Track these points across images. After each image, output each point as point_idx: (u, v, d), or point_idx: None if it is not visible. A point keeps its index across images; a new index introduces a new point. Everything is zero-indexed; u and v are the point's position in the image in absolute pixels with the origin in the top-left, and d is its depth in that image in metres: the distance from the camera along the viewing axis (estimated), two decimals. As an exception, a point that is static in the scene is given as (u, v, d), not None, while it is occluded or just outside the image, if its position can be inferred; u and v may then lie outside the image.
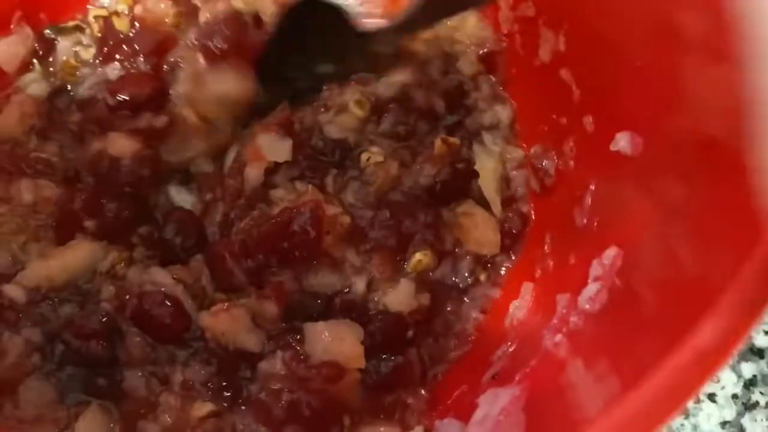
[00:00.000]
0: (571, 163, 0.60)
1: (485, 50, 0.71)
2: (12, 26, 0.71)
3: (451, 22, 0.71)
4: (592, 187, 0.56)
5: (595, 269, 0.47)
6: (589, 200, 0.55)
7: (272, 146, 0.62)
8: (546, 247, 0.60)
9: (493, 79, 0.70)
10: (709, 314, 0.29)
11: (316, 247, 0.58)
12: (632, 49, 0.51)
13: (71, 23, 0.73)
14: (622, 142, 0.51)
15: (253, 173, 0.62)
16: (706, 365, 0.28)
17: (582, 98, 0.59)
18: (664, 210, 0.44)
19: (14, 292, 0.57)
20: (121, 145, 0.62)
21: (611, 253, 0.47)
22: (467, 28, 0.72)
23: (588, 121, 0.58)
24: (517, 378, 0.47)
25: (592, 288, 0.46)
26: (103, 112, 0.65)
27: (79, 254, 0.59)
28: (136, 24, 0.70)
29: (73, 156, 0.65)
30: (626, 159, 0.51)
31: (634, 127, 0.51)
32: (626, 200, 0.50)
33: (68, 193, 0.62)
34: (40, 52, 0.71)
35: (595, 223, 0.53)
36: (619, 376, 0.37)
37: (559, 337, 0.47)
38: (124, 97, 0.63)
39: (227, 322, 0.55)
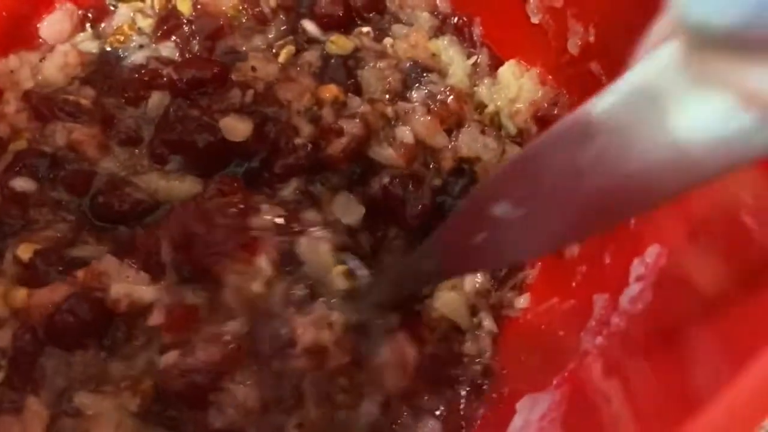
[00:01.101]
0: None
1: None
2: (57, 4, 0.71)
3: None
4: (628, 183, 0.53)
5: (637, 268, 0.45)
6: (625, 197, 0.53)
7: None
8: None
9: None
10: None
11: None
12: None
13: (133, -7, 0.73)
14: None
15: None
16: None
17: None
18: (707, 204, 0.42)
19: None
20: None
21: (654, 250, 0.44)
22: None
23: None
24: (555, 382, 0.45)
25: (634, 287, 0.44)
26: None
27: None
28: (198, 7, 0.70)
29: (113, 103, 0.66)
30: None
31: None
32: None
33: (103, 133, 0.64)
34: (90, 16, 0.73)
35: (633, 221, 0.50)
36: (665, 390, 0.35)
37: (598, 339, 0.45)
38: (188, 76, 0.64)
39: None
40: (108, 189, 0.61)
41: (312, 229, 0.59)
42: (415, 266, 0.53)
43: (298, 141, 0.61)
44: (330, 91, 0.62)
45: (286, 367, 0.52)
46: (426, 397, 0.57)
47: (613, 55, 0.57)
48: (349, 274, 0.57)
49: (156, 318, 0.53)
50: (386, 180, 0.61)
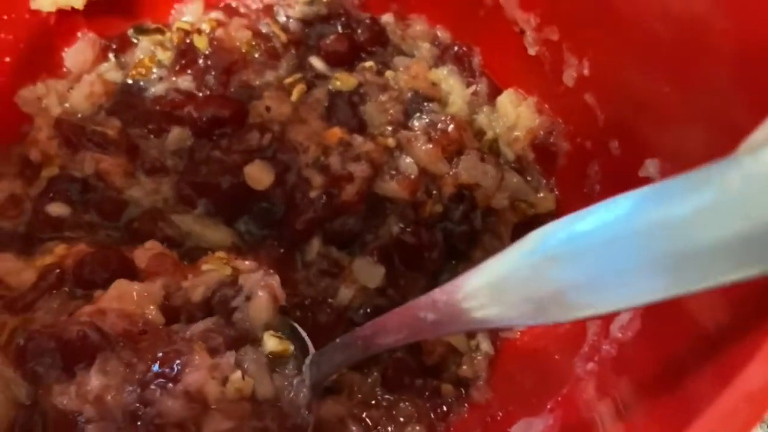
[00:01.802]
0: (597, 186, 0.60)
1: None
2: (79, 35, 0.75)
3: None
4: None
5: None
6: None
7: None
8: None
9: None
10: (758, 354, 0.29)
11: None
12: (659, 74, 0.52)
13: (153, 25, 0.77)
14: (651, 168, 0.52)
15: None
16: (756, 406, 0.28)
17: (607, 123, 0.60)
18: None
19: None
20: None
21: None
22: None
23: (614, 145, 0.58)
24: (549, 406, 0.47)
25: (624, 316, 0.46)
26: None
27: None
28: (214, 43, 0.74)
29: (138, 133, 0.70)
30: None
31: (662, 154, 0.51)
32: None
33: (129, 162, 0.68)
34: (114, 46, 0.77)
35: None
36: (658, 410, 0.37)
37: (590, 365, 0.47)
38: (208, 115, 0.68)
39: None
40: (144, 219, 0.66)
41: None
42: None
43: (313, 194, 0.65)
44: (335, 135, 0.66)
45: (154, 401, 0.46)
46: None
47: (606, 89, 0.60)
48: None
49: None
50: (397, 229, 0.65)
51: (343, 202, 0.67)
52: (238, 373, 0.48)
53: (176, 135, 0.70)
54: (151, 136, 0.70)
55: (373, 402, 0.63)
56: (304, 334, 0.56)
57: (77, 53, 0.74)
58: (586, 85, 0.62)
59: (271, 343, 0.53)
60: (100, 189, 0.67)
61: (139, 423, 0.45)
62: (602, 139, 0.60)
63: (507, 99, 0.71)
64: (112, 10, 0.75)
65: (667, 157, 0.51)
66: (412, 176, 0.69)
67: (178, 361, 0.46)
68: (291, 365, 0.53)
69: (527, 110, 0.69)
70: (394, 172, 0.68)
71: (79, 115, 0.71)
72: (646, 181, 0.51)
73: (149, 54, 0.75)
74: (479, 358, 0.64)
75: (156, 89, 0.73)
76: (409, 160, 0.68)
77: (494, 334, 0.65)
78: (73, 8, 0.70)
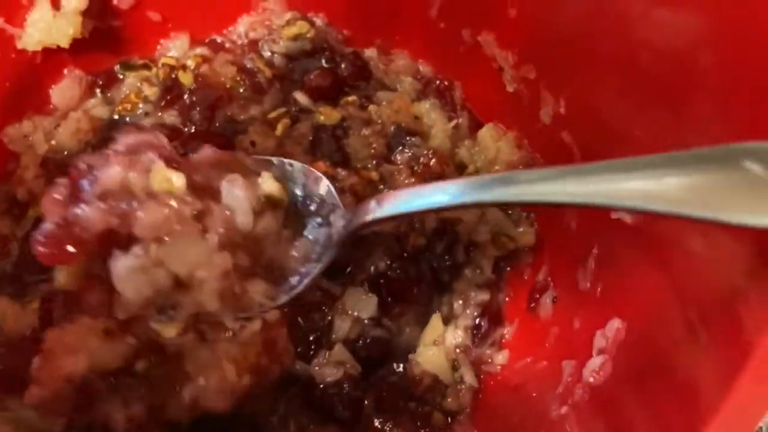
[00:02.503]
0: (573, 224, 0.61)
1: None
2: (65, 72, 0.75)
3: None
4: (595, 251, 0.57)
5: (599, 340, 0.49)
6: (592, 264, 0.57)
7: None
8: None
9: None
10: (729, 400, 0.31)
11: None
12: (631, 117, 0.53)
13: (140, 61, 0.78)
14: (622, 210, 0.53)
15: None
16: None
17: (583, 160, 0.61)
18: (669, 286, 0.45)
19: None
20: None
21: (615, 324, 0.48)
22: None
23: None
24: (524, 449, 0.49)
25: (596, 361, 0.47)
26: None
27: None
28: (199, 78, 0.75)
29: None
30: (628, 227, 0.52)
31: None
32: (629, 270, 0.51)
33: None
34: (100, 82, 0.77)
35: (599, 289, 0.54)
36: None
37: (564, 408, 0.48)
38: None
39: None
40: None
41: None
42: None
43: None
44: (319, 168, 0.67)
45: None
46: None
47: (582, 128, 0.62)
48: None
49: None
50: (384, 265, 0.66)
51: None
52: (160, 164, 0.48)
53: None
54: (137, 173, 0.71)
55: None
56: (332, 188, 0.58)
57: (64, 90, 0.74)
58: (562, 123, 0.63)
59: (269, 185, 0.55)
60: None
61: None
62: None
63: (487, 133, 0.72)
64: (98, 46, 0.75)
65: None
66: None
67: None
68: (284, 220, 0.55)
69: (507, 145, 0.70)
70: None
71: (66, 153, 0.72)
72: (618, 224, 0.52)
73: (135, 90, 0.76)
74: (464, 390, 0.65)
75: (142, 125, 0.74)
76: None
77: (477, 367, 0.66)
78: (59, 46, 0.71)
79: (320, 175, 0.59)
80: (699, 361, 0.39)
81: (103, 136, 0.73)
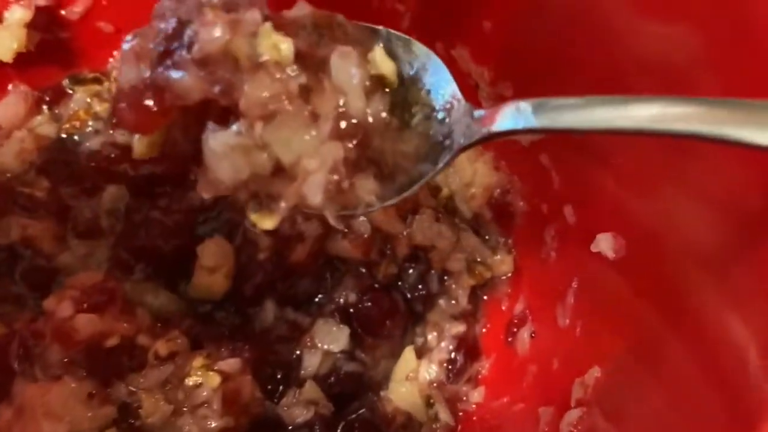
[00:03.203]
0: (553, 254, 0.57)
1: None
2: (9, 88, 0.70)
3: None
4: (575, 285, 0.53)
5: (578, 390, 0.45)
6: (571, 299, 0.53)
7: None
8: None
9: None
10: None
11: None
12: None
13: (90, 75, 0.73)
14: (603, 243, 0.49)
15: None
16: None
17: (561, 185, 0.57)
18: (651, 335, 0.42)
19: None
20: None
21: (594, 373, 0.44)
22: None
23: (569, 211, 0.56)
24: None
25: (574, 413, 0.44)
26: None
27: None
28: None
29: (70, 193, 0.66)
30: (609, 262, 0.48)
31: (616, 229, 0.49)
32: (609, 310, 0.47)
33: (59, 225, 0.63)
34: (47, 98, 0.72)
35: (578, 329, 0.50)
36: None
37: (541, 463, 0.44)
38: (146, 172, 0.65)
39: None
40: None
41: None
42: None
43: (261, 256, 0.61)
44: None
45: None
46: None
47: (560, 151, 0.58)
48: None
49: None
50: (354, 297, 0.62)
51: (294, 264, 0.64)
52: (267, 26, 0.38)
53: (111, 194, 0.66)
54: (85, 197, 0.66)
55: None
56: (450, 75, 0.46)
57: (7, 107, 0.69)
58: (540, 145, 0.59)
59: (383, 62, 0.43)
60: (27, 257, 0.63)
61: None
62: (557, 202, 0.57)
63: (464, 154, 0.68)
64: (45, 60, 0.70)
65: (621, 231, 0.49)
66: (366, 235, 0.66)
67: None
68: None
69: (484, 166, 0.66)
70: (346, 231, 0.65)
71: (8, 175, 0.67)
72: (598, 257, 0.48)
73: (85, 106, 0.71)
74: (438, 429, 0.61)
75: (91, 144, 0.69)
76: (362, 218, 0.65)
77: (453, 404, 0.62)
78: (1, 61, 0.66)
79: (435, 56, 0.47)
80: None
81: (48, 156, 0.68)
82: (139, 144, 0.43)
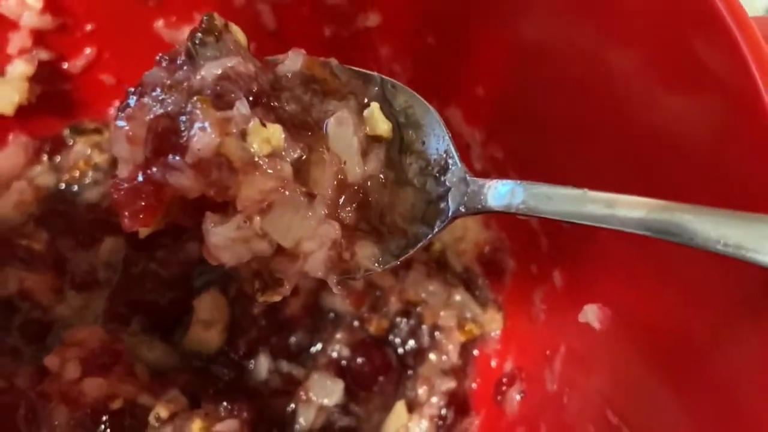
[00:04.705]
0: (542, 316, 0.59)
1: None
2: (9, 138, 0.71)
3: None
4: (563, 350, 0.55)
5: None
6: (558, 365, 0.54)
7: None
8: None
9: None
10: None
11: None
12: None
13: (91, 125, 0.74)
14: (590, 314, 0.50)
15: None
16: None
17: (550, 250, 0.59)
18: (641, 406, 0.43)
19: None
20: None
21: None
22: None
23: (557, 276, 0.57)
24: None
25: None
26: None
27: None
28: None
29: (68, 245, 0.66)
30: (595, 333, 0.50)
31: (603, 300, 0.50)
32: (599, 381, 0.49)
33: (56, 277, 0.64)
34: (48, 148, 0.72)
35: (565, 398, 0.52)
36: None
37: None
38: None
39: None
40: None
41: None
42: None
43: (255, 310, 0.62)
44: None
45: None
46: None
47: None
48: None
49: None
50: (347, 353, 0.63)
51: (289, 318, 0.66)
52: (256, 121, 0.37)
53: (109, 245, 0.67)
54: (82, 249, 0.67)
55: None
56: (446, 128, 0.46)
57: (8, 157, 0.70)
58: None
59: (379, 122, 0.44)
60: (24, 309, 0.63)
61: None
62: (546, 265, 0.59)
63: (455, 209, 0.70)
64: (46, 110, 0.71)
65: (608, 303, 0.50)
66: (359, 289, 0.67)
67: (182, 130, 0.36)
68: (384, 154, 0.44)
69: (474, 224, 0.68)
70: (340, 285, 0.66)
71: (7, 227, 0.67)
72: (585, 328, 0.50)
73: (85, 156, 0.72)
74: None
75: (90, 195, 0.70)
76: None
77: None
78: (2, 114, 0.67)
79: (430, 107, 0.47)
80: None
81: (47, 208, 0.69)
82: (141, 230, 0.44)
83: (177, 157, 0.36)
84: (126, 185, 0.37)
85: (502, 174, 0.63)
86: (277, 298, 0.43)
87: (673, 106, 0.43)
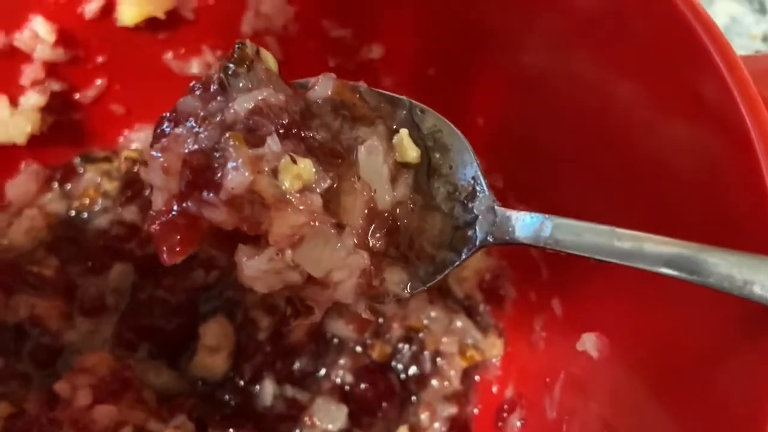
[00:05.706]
0: (542, 344, 0.60)
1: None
2: (21, 166, 0.72)
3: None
4: (562, 376, 0.55)
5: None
6: (558, 393, 0.55)
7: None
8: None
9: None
10: None
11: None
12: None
13: (101, 154, 0.75)
14: (588, 343, 0.51)
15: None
16: None
17: (550, 279, 0.60)
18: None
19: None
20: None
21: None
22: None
23: (556, 304, 0.58)
24: None
25: None
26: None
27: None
28: None
29: (77, 271, 0.68)
30: (593, 361, 0.51)
31: (600, 329, 0.51)
32: (597, 410, 0.50)
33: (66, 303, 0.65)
34: (58, 176, 0.74)
35: (565, 426, 0.52)
36: None
37: None
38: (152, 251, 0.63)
39: None
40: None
41: None
42: None
43: (261, 336, 0.63)
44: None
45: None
46: None
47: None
48: None
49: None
50: (350, 379, 0.64)
51: (294, 343, 0.67)
52: (287, 158, 0.38)
53: (118, 272, 0.68)
54: (91, 275, 0.68)
55: None
56: (475, 157, 0.47)
57: (19, 185, 0.72)
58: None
59: (408, 149, 0.44)
60: (34, 335, 0.65)
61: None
62: (546, 293, 0.60)
63: (457, 236, 0.71)
64: (57, 139, 0.73)
65: (606, 332, 0.51)
66: (363, 315, 0.68)
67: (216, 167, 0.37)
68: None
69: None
70: (343, 311, 0.68)
71: (18, 253, 0.69)
72: (583, 356, 0.51)
73: (95, 184, 0.74)
74: None
75: (99, 222, 0.71)
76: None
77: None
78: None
79: (458, 132, 0.48)
80: None
81: (57, 234, 0.71)
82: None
83: (211, 194, 0.37)
84: (162, 219, 0.38)
85: (503, 202, 0.64)
86: (308, 322, 0.44)
87: (671, 137, 0.44)
